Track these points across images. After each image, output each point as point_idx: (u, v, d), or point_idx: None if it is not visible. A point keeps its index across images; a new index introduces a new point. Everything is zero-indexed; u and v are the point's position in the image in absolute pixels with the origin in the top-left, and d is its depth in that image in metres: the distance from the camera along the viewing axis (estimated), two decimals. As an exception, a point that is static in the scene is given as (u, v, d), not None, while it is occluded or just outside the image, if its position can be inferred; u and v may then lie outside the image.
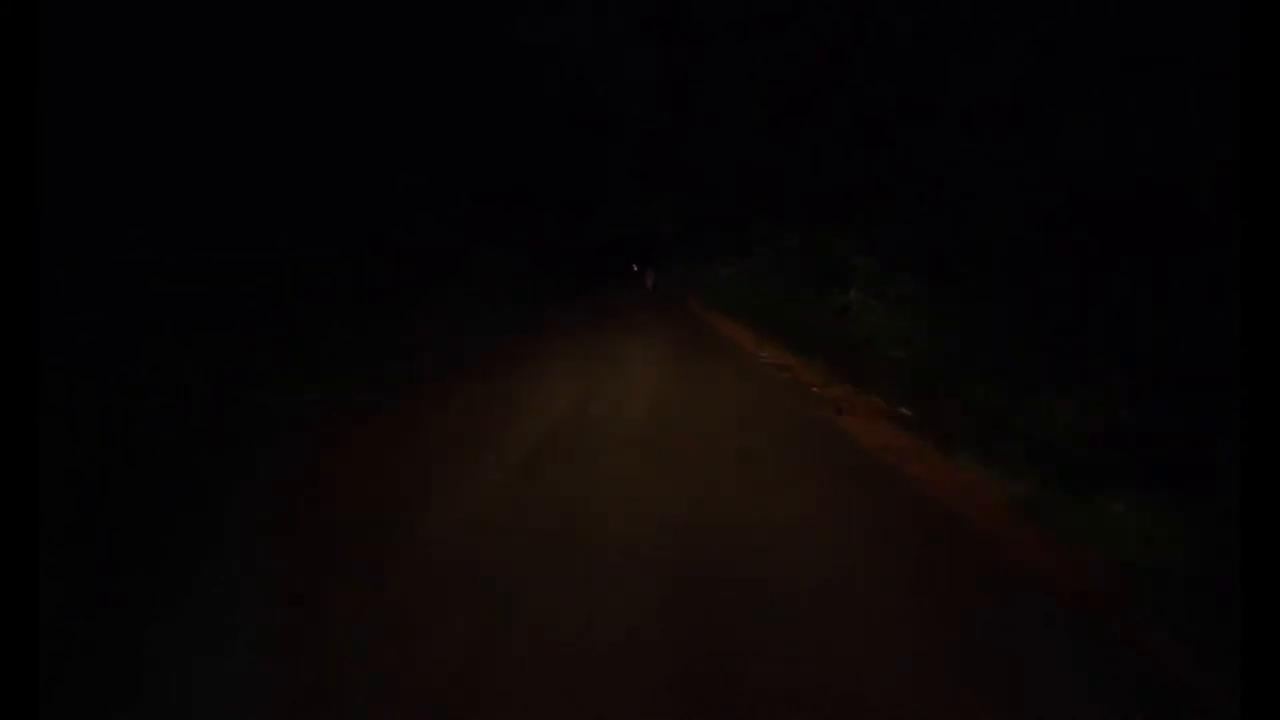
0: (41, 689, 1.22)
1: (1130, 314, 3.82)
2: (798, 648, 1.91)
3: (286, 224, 7.75)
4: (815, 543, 2.67)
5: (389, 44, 9.93)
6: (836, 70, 6.95)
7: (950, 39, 5.33)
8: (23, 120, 1.36)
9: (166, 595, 2.27)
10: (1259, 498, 1.30)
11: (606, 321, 13.54)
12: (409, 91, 10.70)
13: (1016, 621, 2.13)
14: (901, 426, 4.81)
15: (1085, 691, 1.76)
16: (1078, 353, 4.06)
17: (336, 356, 6.71)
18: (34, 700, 1.15)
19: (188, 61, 6.34)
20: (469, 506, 3.07)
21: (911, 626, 2.05)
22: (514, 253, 16.69)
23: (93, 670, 1.85)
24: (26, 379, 1.28)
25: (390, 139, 10.33)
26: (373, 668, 1.83)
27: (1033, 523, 2.92)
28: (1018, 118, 4.72)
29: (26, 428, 1.26)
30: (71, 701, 1.71)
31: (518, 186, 16.83)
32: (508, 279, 15.34)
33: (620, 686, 1.73)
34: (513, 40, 11.97)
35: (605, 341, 10.21)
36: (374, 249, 10.06)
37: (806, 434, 4.77)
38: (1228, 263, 2.32)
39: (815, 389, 6.25)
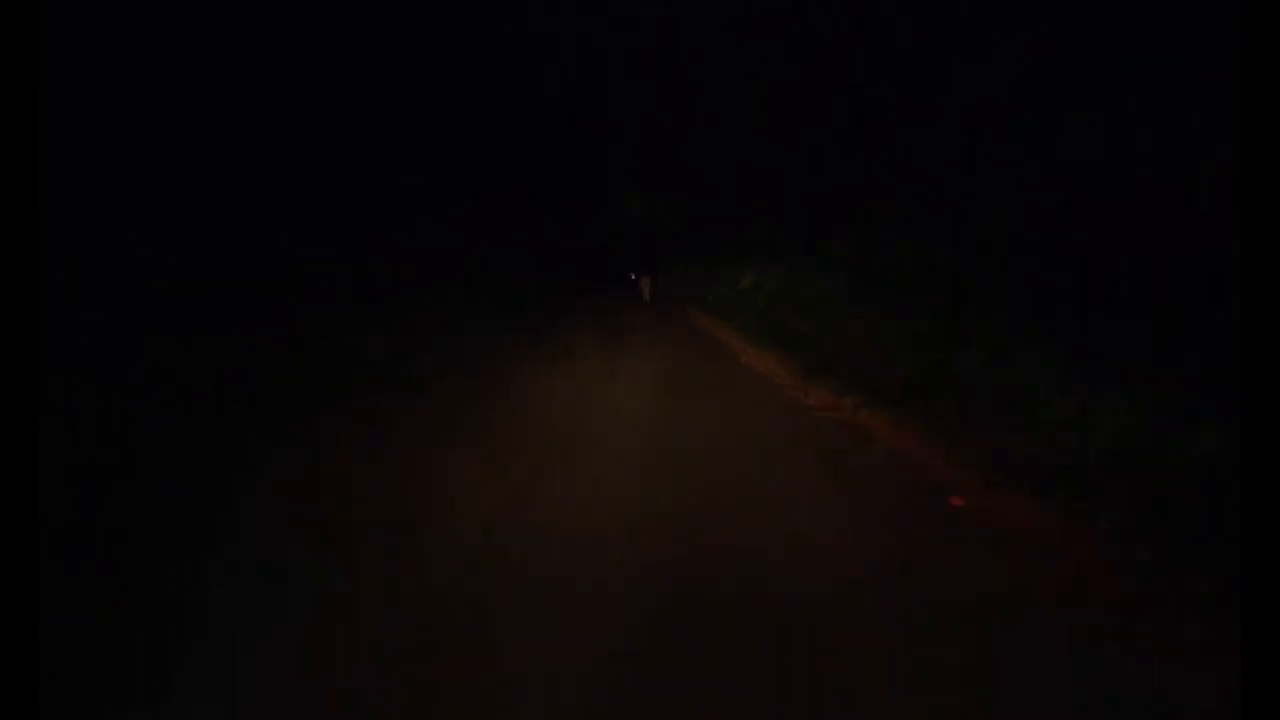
0: (41, 689, 1.22)
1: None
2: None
3: (286, 224, 7.75)
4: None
5: (389, 43, 9.93)
6: (836, 70, 6.95)
7: (950, 39, 5.34)
8: (23, 120, 1.35)
9: (166, 595, 2.27)
10: (1259, 498, 1.30)
11: (606, 324, 13.46)
12: (409, 91, 10.69)
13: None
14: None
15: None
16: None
17: (336, 356, 6.71)
18: (34, 700, 1.15)
19: (188, 61, 6.34)
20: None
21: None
22: (513, 253, 16.67)
23: (93, 670, 1.85)
24: (26, 379, 1.28)
25: (390, 139, 10.33)
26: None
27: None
28: (1018, 118, 4.72)
29: (26, 428, 1.26)
30: (71, 701, 1.71)
31: (518, 186, 16.83)
32: (506, 281, 15.32)
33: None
34: (513, 39, 11.98)
35: (600, 355, 8.05)
36: (374, 249, 10.05)
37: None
38: (1228, 262, 2.32)
39: (956, 502, 3.07)
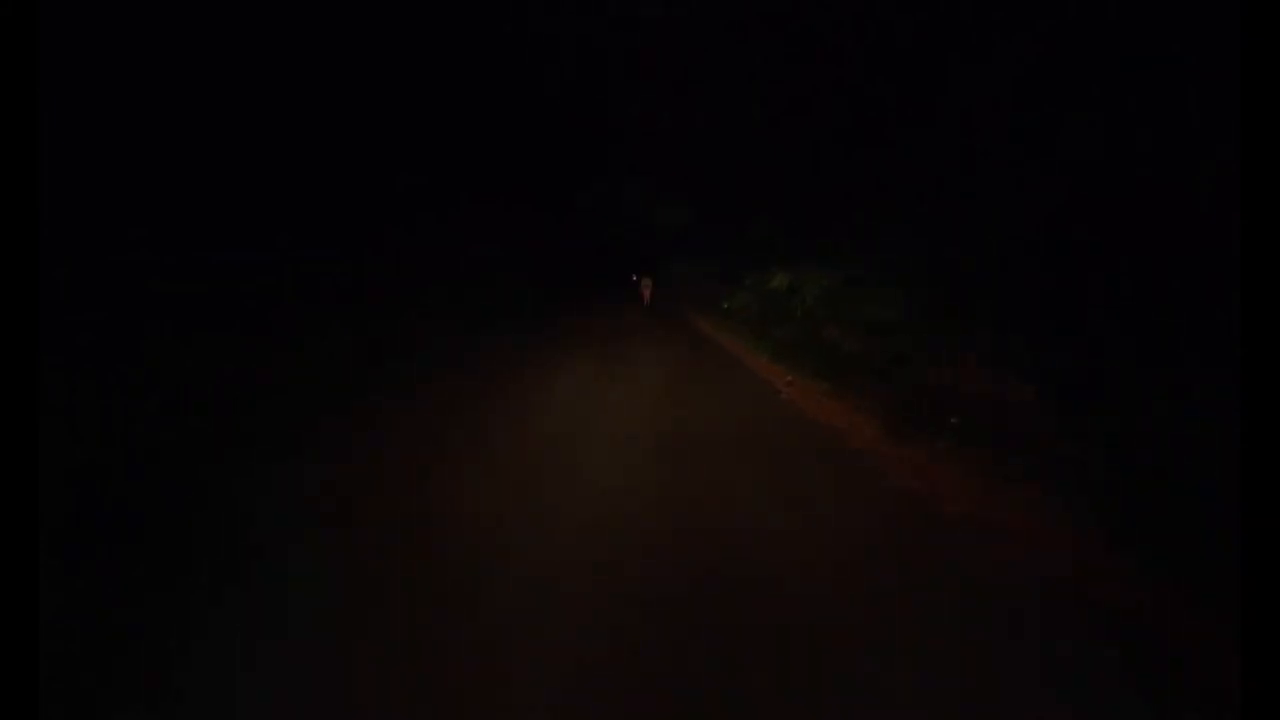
0: (42, 689, 1.22)
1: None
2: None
3: (286, 224, 7.75)
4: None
5: (389, 44, 9.93)
6: (836, 70, 6.95)
7: (950, 39, 5.34)
8: (23, 120, 1.36)
9: (166, 594, 2.26)
10: (1258, 498, 1.30)
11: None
12: (409, 91, 10.70)
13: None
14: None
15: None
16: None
17: (335, 356, 6.72)
18: (34, 700, 1.15)
19: (188, 61, 6.34)
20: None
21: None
22: (513, 253, 16.67)
23: (93, 670, 1.85)
24: (26, 379, 1.28)
25: (390, 139, 10.33)
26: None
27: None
28: (1018, 118, 4.72)
29: (26, 428, 1.26)
30: (72, 701, 1.71)
31: (518, 186, 16.83)
32: (506, 281, 15.31)
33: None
34: (513, 39, 11.98)
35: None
36: (374, 249, 10.05)
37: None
38: (1228, 262, 2.32)
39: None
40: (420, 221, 11.56)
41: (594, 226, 26.22)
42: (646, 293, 22.18)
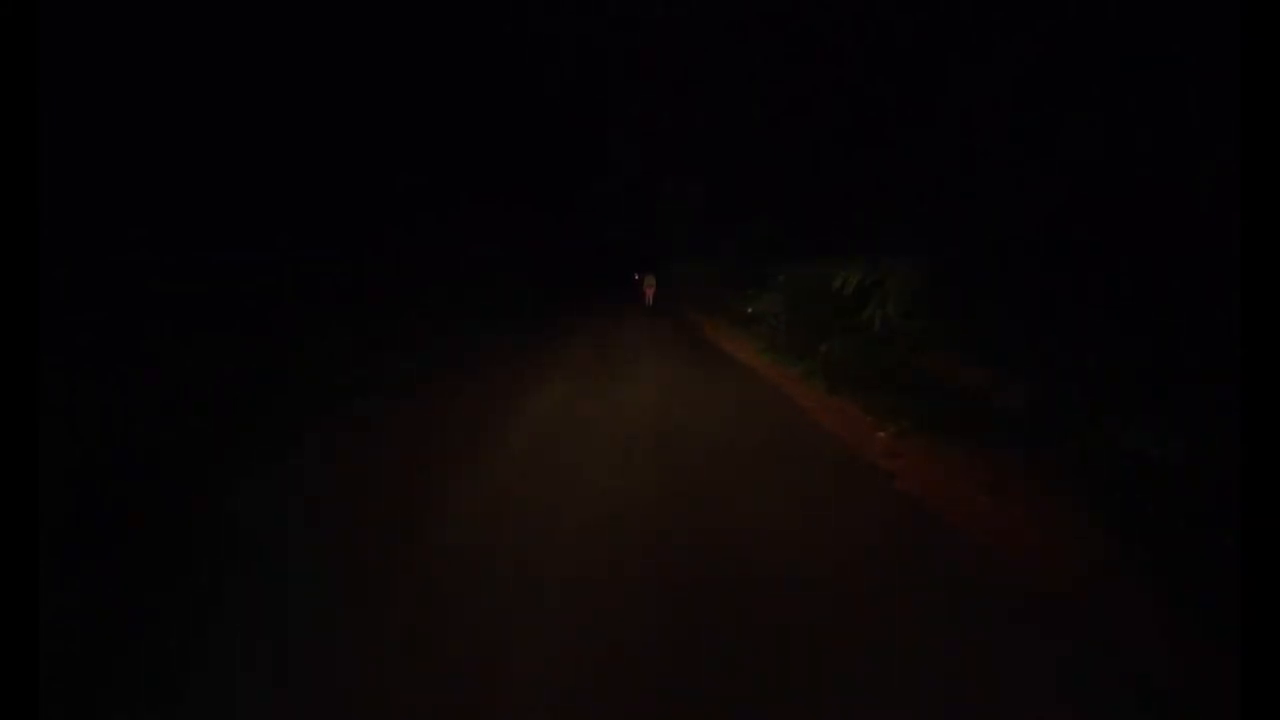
0: (42, 689, 1.22)
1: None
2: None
3: (286, 224, 7.75)
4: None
5: (389, 44, 9.94)
6: (836, 70, 6.94)
7: (950, 39, 5.33)
8: (23, 120, 1.35)
9: (166, 594, 2.26)
10: (1258, 498, 1.30)
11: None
12: (409, 91, 10.70)
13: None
14: None
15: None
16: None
17: (335, 356, 6.72)
18: (34, 700, 1.15)
19: (188, 61, 6.34)
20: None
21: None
22: (513, 252, 16.67)
23: (93, 670, 1.85)
24: (26, 379, 1.28)
25: (390, 139, 10.33)
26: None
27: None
28: (1018, 118, 4.71)
29: (26, 428, 1.26)
30: (71, 701, 1.71)
31: (518, 186, 16.83)
32: (506, 281, 15.31)
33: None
34: (513, 39, 11.98)
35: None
36: (374, 249, 10.06)
37: None
38: (1228, 261, 2.32)
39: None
40: (420, 221, 11.57)
41: (594, 226, 26.23)
42: (649, 292, 20.78)
